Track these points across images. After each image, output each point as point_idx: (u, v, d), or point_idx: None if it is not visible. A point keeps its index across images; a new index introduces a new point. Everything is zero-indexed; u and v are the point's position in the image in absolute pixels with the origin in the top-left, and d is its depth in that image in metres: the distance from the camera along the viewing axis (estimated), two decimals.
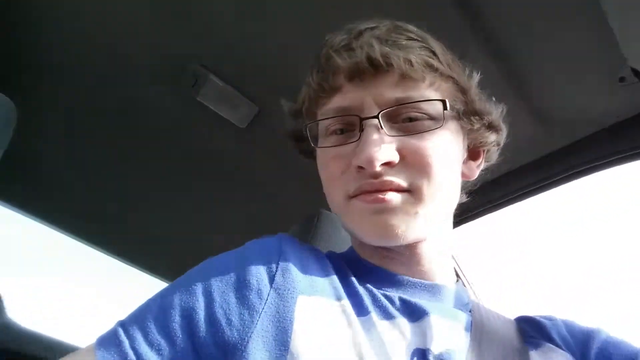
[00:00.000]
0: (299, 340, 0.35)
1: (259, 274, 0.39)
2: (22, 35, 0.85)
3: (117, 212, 1.20)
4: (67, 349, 1.19)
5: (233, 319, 0.36)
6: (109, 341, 0.36)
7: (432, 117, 0.41)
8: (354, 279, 0.43)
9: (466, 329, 0.43)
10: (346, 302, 0.39)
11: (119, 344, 0.35)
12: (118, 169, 1.09)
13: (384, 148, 0.39)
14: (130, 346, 0.35)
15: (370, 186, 0.40)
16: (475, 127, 0.45)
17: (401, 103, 0.41)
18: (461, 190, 0.49)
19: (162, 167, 1.09)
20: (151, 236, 1.26)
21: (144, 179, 1.12)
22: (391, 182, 0.40)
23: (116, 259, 1.34)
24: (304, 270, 0.41)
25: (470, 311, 0.46)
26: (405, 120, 0.41)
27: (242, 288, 0.38)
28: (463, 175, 0.48)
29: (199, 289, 0.38)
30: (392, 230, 0.40)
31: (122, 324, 0.37)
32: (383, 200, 0.39)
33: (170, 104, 0.94)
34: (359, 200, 0.41)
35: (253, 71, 0.86)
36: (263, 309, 0.37)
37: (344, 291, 0.41)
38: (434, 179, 0.40)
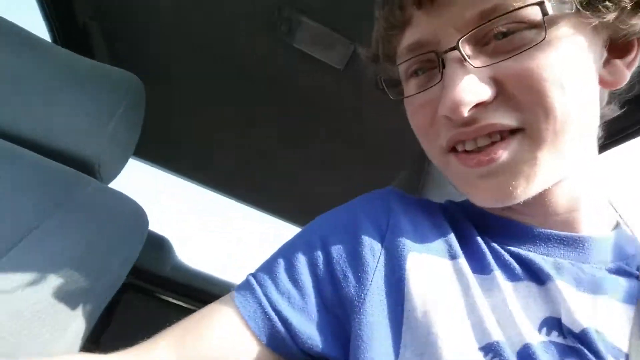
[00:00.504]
0: (412, 298, 0.33)
1: (370, 232, 0.38)
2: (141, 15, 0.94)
3: (245, 164, 1.31)
4: (225, 285, 1.43)
5: (350, 276, 0.36)
6: (244, 289, 0.37)
7: (533, 25, 0.30)
8: (475, 233, 0.38)
9: (626, 299, 0.32)
10: (462, 261, 0.35)
11: (253, 291, 0.37)
12: (238, 127, 1.18)
13: (469, 85, 0.30)
14: (263, 293, 0.36)
15: (464, 136, 0.32)
16: (609, 16, 0.30)
17: (486, 19, 0.30)
18: (606, 102, 0.36)
19: (279, 119, 1.13)
20: (279, 185, 1.36)
21: (263, 133, 1.19)
22: (492, 124, 0.31)
23: (252, 207, 1.51)
24: (414, 227, 0.38)
25: (639, 271, 0.34)
26: (498, 36, 0.31)
27: (356, 246, 0.37)
28: (604, 82, 0.34)
29: (318, 244, 0.38)
30: (508, 192, 0.32)
31: (254, 275, 0.38)
32: (489, 162, 0.31)
33: (271, 53, 0.95)
34: (458, 160, 0.34)
35: (344, 7, 0.81)
36: (377, 266, 0.36)
37: (461, 248, 0.36)
38: (553, 109, 0.30)
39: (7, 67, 0.57)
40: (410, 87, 0.37)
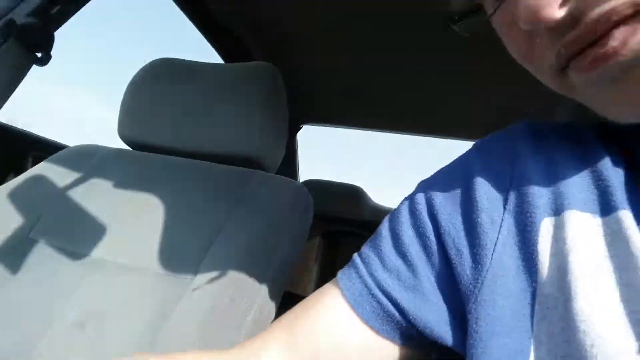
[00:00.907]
0: (548, 280, 0.23)
1: (488, 192, 0.28)
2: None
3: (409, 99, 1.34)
4: None
5: (464, 252, 0.28)
6: (349, 268, 0.33)
7: None
8: None
9: None
10: (624, 214, 0.22)
11: (357, 270, 0.32)
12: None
13: None
14: (368, 271, 0.31)
15: (574, 45, 0.21)
16: None
17: None
18: None
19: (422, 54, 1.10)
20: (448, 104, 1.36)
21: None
22: (609, 12, 0.19)
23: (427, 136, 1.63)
24: (551, 176, 0.27)
25: None
26: None
27: (470, 212, 0.29)
28: None
29: (424, 211, 0.31)
30: None
31: (360, 253, 0.34)
32: (611, 54, 0.19)
33: None
34: (576, 72, 0.22)
35: None
36: (497, 239, 0.27)
37: (627, 192, 0.24)
38: None
39: (178, 95, 0.69)
40: (487, 3, 0.27)
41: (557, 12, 0.20)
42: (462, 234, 0.28)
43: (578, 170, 0.26)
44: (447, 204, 0.30)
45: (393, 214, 0.34)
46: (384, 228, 0.33)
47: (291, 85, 1.34)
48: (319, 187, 1.62)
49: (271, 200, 0.60)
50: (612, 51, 0.19)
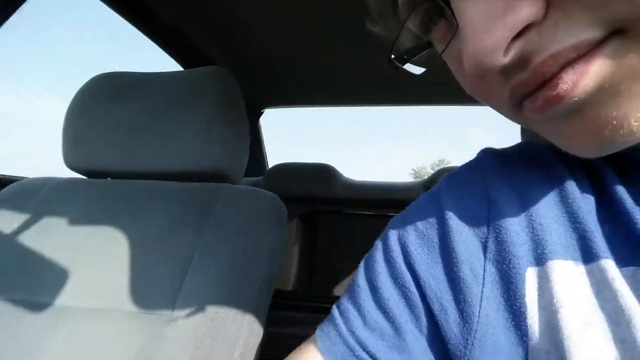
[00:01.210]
0: (539, 335, 0.22)
1: (465, 239, 0.26)
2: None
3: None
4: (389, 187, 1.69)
5: (448, 309, 0.26)
6: (327, 325, 0.29)
7: None
8: (616, 183, 0.24)
9: None
10: (608, 264, 0.22)
11: (336, 327, 0.28)
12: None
13: (490, 12, 0.18)
14: (348, 329, 0.28)
15: (525, 87, 0.20)
16: None
17: None
18: None
19: None
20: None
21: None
22: (559, 53, 0.18)
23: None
24: (527, 218, 0.25)
25: None
26: None
27: (449, 263, 0.26)
28: None
29: (399, 258, 0.28)
30: (616, 131, 0.19)
31: (338, 305, 0.30)
32: (563, 96, 0.19)
33: None
34: (529, 112, 0.22)
35: None
36: (482, 292, 0.25)
37: (604, 236, 0.23)
38: None
39: (123, 112, 0.62)
40: (436, 40, 0.26)
41: (502, 59, 0.19)
42: (444, 286, 0.26)
43: (552, 208, 0.25)
44: (424, 253, 0.28)
45: (368, 261, 0.30)
46: (361, 277, 0.30)
47: (249, 70, 1.30)
48: (289, 171, 1.60)
49: (244, 219, 0.57)
50: (564, 93, 0.19)
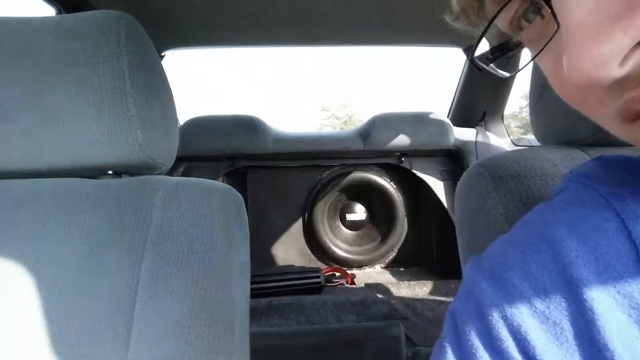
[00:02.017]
0: None
1: (623, 333, 0.19)
2: None
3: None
4: (317, 138, 1.64)
5: None
6: None
7: None
8: None
9: None
10: None
11: None
12: None
13: (609, 18, 0.15)
14: None
15: (638, 103, 0.18)
16: None
17: None
18: None
19: None
20: None
21: None
22: None
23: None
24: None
25: None
26: None
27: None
28: None
29: (512, 347, 0.21)
30: None
31: None
32: None
33: None
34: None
35: None
36: None
37: None
38: None
39: None
40: (525, 40, 0.23)
41: (617, 71, 0.16)
42: None
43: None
44: (553, 346, 0.20)
45: (456, 351, 0.22)
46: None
47: (149, 12, 1.10)
48: (208, 126, 1.40)
49: (194, 223, 0.42)
50: None
